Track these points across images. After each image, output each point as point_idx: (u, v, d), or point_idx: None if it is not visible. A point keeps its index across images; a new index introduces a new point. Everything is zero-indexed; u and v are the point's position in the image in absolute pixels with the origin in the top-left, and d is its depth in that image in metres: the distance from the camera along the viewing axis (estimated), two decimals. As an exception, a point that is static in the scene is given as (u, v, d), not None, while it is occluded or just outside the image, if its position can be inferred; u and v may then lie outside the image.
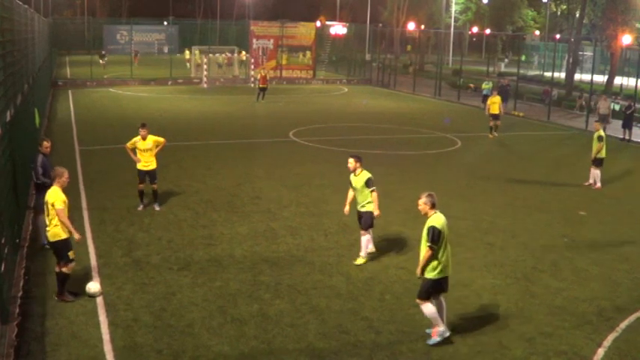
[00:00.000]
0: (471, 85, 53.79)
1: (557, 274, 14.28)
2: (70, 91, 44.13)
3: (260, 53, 56.73)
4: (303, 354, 10.26)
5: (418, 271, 10.71)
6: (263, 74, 44.41)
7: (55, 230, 11.66)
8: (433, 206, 10.79)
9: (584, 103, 42.45)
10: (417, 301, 10.73)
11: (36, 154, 14.76)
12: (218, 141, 28.61)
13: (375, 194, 14.19)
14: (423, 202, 10.84)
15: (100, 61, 58.88)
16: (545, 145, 30.96)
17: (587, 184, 22.18)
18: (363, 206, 14.31)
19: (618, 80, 53.98)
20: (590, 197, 20.57)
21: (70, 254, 11.83)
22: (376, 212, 14.27)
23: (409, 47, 77.98)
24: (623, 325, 11.91)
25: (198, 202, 18.69)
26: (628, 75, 55.25)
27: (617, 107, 36.99)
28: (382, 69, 59.25)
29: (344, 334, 10.90)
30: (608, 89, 49.76)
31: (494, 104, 33.08)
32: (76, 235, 11.83)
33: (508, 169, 25.05)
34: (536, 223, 18.03)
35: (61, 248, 11.76)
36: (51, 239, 11.80)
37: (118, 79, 51.65)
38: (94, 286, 12.32)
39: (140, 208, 17.52)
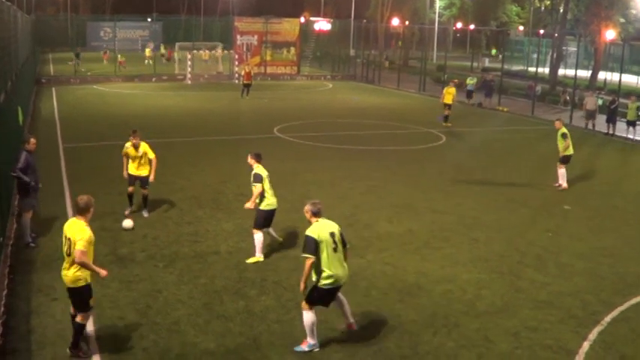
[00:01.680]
0: (455, 81, 53.78)
1: (542, 269, 14.35)
2: (53, 89, 43.84)
3: (244, 49, 56.58)
4: (290, 350, 10.27)
5: (301, 285, 10.12)
6: (247, 70, 44.32)
7: (76, 274, 9.66)
8: (315, 215, 10.29)
9: (568, 97, 42.64)
10: (302, 304, 10.22)
11: (20, 151, 14.67)
12: (202, 137, 28.53)
13: (255, 190, 13.88)
14: (305, 210, 10.42)
15: (71, 62, 55.81)
16: (530, 140, 31.10)
17: (556, 184, 21.32)
18: (259, 204, 14.11)
19: (602, 75, 54.24)
20: (574, 192, 20.65)
21: (91, 301, 9.99)
22: (246, 205, 14.17)
23: (400, 43, 77.96)
24: (608, 318, 11.98)
25: (183, 198, 18.64)
26: (612, 70, 55.55)
27: (600, 102, 37.17)
28: (366, 65, 59.25)
29: (329, 330, 10.91)
30: (592, 84, 49.99)
31: (449, 94, 34.41)
32: (102, 273, 9.93)
33: (492, 165, 25.14)
34: (521, 218, 18.11)
35: (81, 295, 9.83)
36: (70, 284, 9.75)
37: (101, 76, 51.38)
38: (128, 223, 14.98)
39: (127, 212, 16.79)
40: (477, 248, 15.55)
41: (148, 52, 63.85)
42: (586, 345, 10.96)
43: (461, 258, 14.83)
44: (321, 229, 10.11)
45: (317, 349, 10.27)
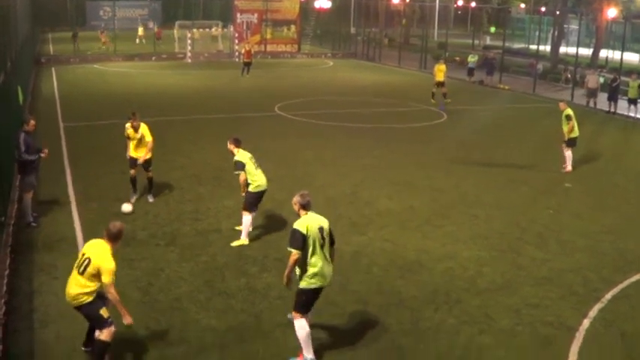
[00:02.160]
0: (457, 59, 53.69)
1: (543, 246, 14.37)
2: (53, 68, 43.68)
3: (244, 27, 56.33)
4: (291, 327, 10.29)
5: (284, 279, 9.49)
6: (247, 49, 44.11)
7: (78, 294, 8.92)
8: (304, 207, 9.50)
9: (569, 76, 42.48)
10: (293, 314, 9.47)
11: (18, 131, 14.65)
12: (203, 116, 28.47)
13: (239, 178, 13.69)
14: (293, 202, 9.61)
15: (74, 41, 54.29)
16: (531, 119, 31.02)
17: (564, 166, 20.76)
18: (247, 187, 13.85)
19: (604, 53, 54.01)
20: (575, 170, 20.61)
21: (104, 313, 9.01)
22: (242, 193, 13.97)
23: (404, 22, 77.47)
24: (609, 295, 12.02)
25: (183, 177, 18.64)
26: (613, 48, 55.30)
27: (602, 80, 37.05)
28: (367, 42, 59.01)
29: (332, 306, 10.94)
30: (593, 62, 49.78)
31: (440, 72, 34.33)
32: (128, 319, 9.05)
33: (493, 143, 25.09)
34: (522, 196, 18.11)
35: (89, 310, 9.03)
36: (73, 302, 9.02)
37: (102, 55, 51.15)
38: (127, 207, 14.85)
39: (133, 200, 16.16)
40: (478, 226, 15.56)
41: (140, 31, 63.48)
42: (586, 322, 10.99)
43: (462, 235, 14.84)
44: (310, 222, 9.36)
45: None
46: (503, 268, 13.16)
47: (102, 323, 8.95)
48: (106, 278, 8.74)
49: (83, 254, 9.00)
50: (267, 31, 57.19)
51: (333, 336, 10.19)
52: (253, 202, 13.88)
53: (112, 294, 8.78)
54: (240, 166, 13.60)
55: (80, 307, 8.99)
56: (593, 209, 17.22)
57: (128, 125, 16.09)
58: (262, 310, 11.00)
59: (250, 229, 14.07)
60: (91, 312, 8.99)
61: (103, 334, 8.95)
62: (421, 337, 10.34)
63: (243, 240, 13.89)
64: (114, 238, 9.05)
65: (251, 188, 13.74)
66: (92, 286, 8.88)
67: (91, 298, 8.91)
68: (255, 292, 11.64)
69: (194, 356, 9.58)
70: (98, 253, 8.88)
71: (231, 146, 13.89)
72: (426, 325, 10.70)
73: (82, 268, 8.87)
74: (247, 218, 13.87)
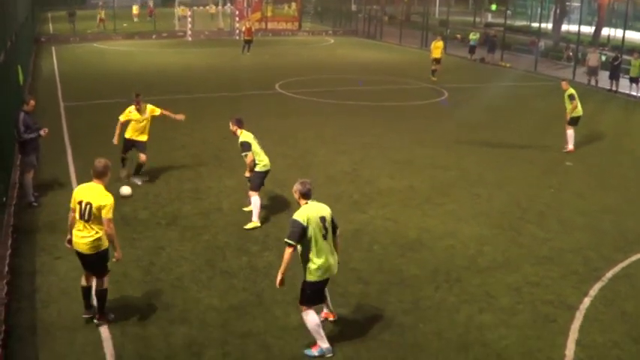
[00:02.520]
0: (458, 36, 53.48)
1: (544, 225, 14.39)
2: (53, 48, 43.51)
3: (245, 5, 56.07)
4: (292, 305, 10.32)
5: (279, 276, 9.13)
6: (248, 26, 43.97)
7: (97, 240, 9.41)
8: (304, 196, 9.11)
9: (571, 54, 42.34)
10: (301, 307, 9.24)
11: (18, 111, 14.62)
12: (203, 94, 28.41)
13: (247, 159, 13.46)
14: (293, 190, 9.23)
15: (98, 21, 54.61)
16: (533, 97, 30.90)
17: (567, 146, 20.53)
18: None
19: (606, 31, 53.77)
20: (577, 149, 20.55)
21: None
22: (245, 174, 13.74)
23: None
24: (609, 274, 12.04)
25: (184, 155, 18.64)
26: (615, 26, 55.07)
27: (604, 58, 36.94)
28: (368, 20, 58.77)
29: (333, 285, 10.93)
30: (595, 40, 49.57)
31: (437, 49, 34.44)
32: (118, 255, 9.69)
33: (495, 121, 25.03)
34: (523, 174, 18.10)
35: (103, 259, 9.62)
36: (90, 251, 9.45)
37: (102, 34, 50.97)
38: (126, 190, 14.62)
39: (123, 175, 16.09)
40: (479, 204, 15.57)
41: (135, 9, 63.15)
42: (587, 301, 11.02)
43: (463, 214, 14.86)
44: (311, 212, 8.94)
45: (330, 355, 9.18)
46: (504, 246, 13.18)
47: (106, 271, 9.66)
48: (108, 214, 9.27)
49: (80, 202, 9.33)
50: (268, 8, 56.96)
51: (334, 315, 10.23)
52: (260, 181, 13.77)
53: (110, 228, 9.33)
54: (247, 146, 13.39)
55: (95, 255, 9.46)
56: (594, 188, 17.22)
57: (132, 108, 15.86)
58: (264, 288, 11.03)
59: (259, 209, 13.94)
60: (104, 259, 9.57)
61: (105, 283, 9.66)
62: (421, 315, 10.37)
63: (256, 222, 13.70)
64: (102, 174, 9.51)
65: (258, 168, 13.61)
66: (102, 229, 9.38)
67: (107, 244, 9.48)
68: (257, 271, 11.67)
69: (196, 335, 9.62)
70: (95, 194, 9.32)
71: (234, 127, 13.65)
72: (426, 304, 10.73)
73: (86, 215, 9.29)
74: (257, 199, 13.71)
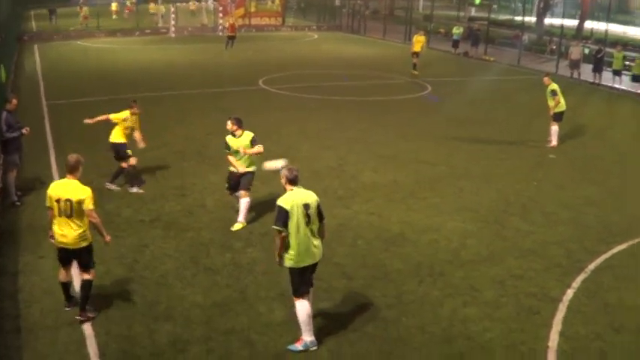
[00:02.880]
0: (442, 30, 53.53)
1: (527, 218, 14.45)
2: (35, 46, 43.18)
3: (228, 1, 55.87)
4: (276, 301, 10.34)
5: (276, 258, 9.27)
6: (231, 22, 43.86)
7: (82, 234, 9.58)
8: (290, 182, 9.18)
9: (554, 47, 42.49)
10: (293, 298, 9.28)
11: (0, 111, 14.53)
12: (187, 91, 28.30)
13: (259, 149, 13.31)
14: (281, 176, 9.32)
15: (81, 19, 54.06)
16: (517, 90, 31.00)
17: (550, 141, 20.47)
18: (248, 166, 13.47)
19: (589, 24, 53.94)
20: (560, 142, 20.60)
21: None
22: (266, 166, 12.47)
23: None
24: (592, 266, 12.12)
25: (168, 152, 18.57)
26: (598, 19, 55.22)
27: (587, 51, 37.12)
28: (352, 15, 58.73)
29: (317, 280, 10.89)
30: (578, 34, 49.74)
31: (418, 43, 34.53)
32: (107, 238, 9.99)
33: (479, 115, 25.08)
34: (507, 168, 18.17)
35: (89, 252, 9.81)
36: (76, 246, 9.61)
37: (84, 32, 50.61)
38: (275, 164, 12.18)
39: (141, 189, 15.49)
40: (462, 198, 15.61)
41: (114, 6, 62.81)
42: (570, 293, 11.08)
43: (446, 208, 14.89)
44: (295, 198, 9.03)
45: (314, 348, 9.21)
46: (487, 240, 13.22)
47: (92, 263, 9.83)
48: (89, 205, 9.46)
49: (58, 200, 9.45)
50: (252, 4, 56.78)
51: (318, 310, 10.20)
52: (252, 181, 13.64)
53: (94, 218, 9.60)
54: (256, 140, 13.29)
55: (82, 249, 9.63)
56: (578, 182, 17.30)
57: (128, 113, 15.40)
58: (247, 285, 11.02)
59: None
60: (90, 252, 9.76)
61: (90, 274, 9.80)
62: (405, 309, 10.39)
63: (243, 223, 13.50)
64: (74, 169, 9.67)
65: (253, 167, 13.49)
66: (86, 222, 9.59)
67: (91, 238, 9.71)
68: (240, 268, 11.65)
69: (180, 332, 9.60)
70: (72, 190, 9.49)
71: (233, 127, 13.30)
72: (409, 298, 10.75)
73: (68, 211, 9.43)
74: (248, 200, 13.52)
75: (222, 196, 14.87)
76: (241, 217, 13.55)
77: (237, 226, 13.44)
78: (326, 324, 9.88)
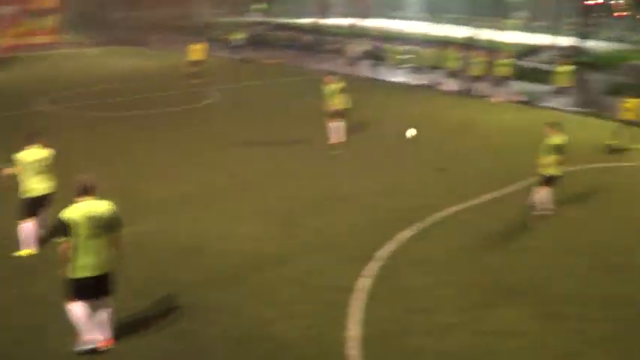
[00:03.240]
0: (224, 37, 53.58)
1: (317, 215, 14.81)
2: None
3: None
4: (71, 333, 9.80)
5: (60, 271, 9.12)
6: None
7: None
8: (81, 193, 9.07)
9: (336, 46, 43.84)
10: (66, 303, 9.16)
11: None
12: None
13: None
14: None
15: None
16: (298, 92, 30.72)
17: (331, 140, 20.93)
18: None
19: (370, 22, 56.24)
20: (346, 138, 21.11)
21: None
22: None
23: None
24: (383, 253, 12.62)
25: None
26: (376, 17, 57.77)
27: (365, 48, 38.72)
28: (132, 28, 57.45)
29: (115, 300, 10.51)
30: (354, 32, 51.62)
31: (194, 52, 34.07)
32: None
33: (263, 118, 25.29)
34: (292, 168, 18.61)
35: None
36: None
37: None
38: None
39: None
40: (251, 202, 15.65)
41: None
42: (365, 281, 11.43)
43: (236, 214, 14.88)
44: (78, 210, 8.87)
45: (91, 346, 9.18)
46: (280, 240, 13.36)
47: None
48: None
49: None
50: (24, 22, 53.90)
51: (115, 328, 9.71)
52: (28, 208, 12.66)
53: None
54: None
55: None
56: (364, 173, 17.95)
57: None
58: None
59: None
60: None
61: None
62: (204, 319, 10.24)
63: (31, 249, 12.65)
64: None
65: (24, 193, 12.61)
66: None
67: None
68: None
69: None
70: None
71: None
72: (208, 306, 10.60)
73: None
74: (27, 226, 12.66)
75: None
76: (24, 243, 12.72)
77: (22, 252, 12.64)
78: (123, 344, 9.48)
